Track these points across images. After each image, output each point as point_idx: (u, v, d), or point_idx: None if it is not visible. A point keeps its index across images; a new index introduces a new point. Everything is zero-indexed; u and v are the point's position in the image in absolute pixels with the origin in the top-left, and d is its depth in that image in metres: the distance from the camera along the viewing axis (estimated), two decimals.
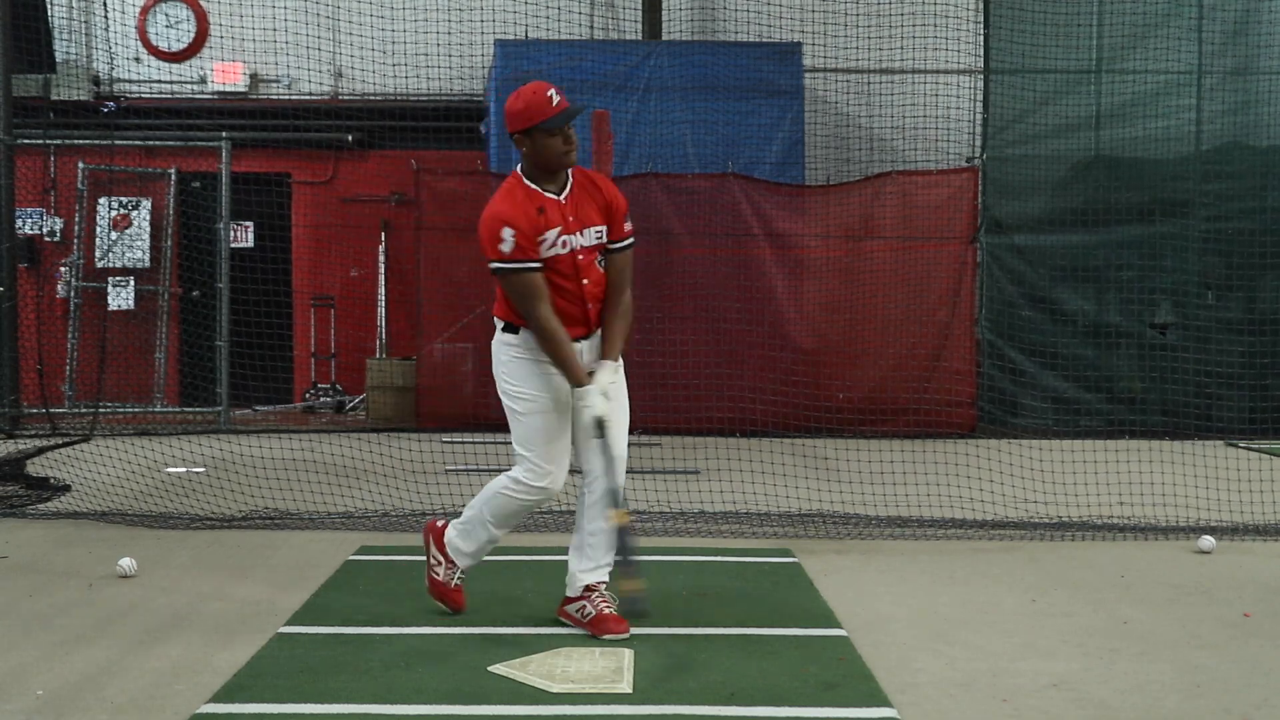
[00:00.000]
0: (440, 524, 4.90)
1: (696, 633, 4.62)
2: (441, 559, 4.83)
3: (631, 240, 4.65)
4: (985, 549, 6.29)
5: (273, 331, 11.27)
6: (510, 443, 4.66)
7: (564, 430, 4.62)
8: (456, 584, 4.84)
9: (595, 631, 4.58)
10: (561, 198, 4.52)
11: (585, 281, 4.54)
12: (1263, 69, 11.05)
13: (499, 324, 4.66)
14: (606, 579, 4.68)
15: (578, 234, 4.51)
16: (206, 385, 11.63)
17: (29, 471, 7.97)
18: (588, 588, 4.66)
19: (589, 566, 4.67)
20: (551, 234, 4.48)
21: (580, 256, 4.52)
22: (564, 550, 4.78)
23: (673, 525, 6.71)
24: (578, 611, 4.67)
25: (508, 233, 4.41)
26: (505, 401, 4.65)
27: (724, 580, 5.50)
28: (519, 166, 4.60)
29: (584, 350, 4.58)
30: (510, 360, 4.61)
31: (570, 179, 4.57)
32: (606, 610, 4.62)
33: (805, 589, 5.36)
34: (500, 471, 4.76)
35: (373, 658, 4.29)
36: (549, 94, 4.42)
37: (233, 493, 7.32)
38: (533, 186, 4.52)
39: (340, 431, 10.44)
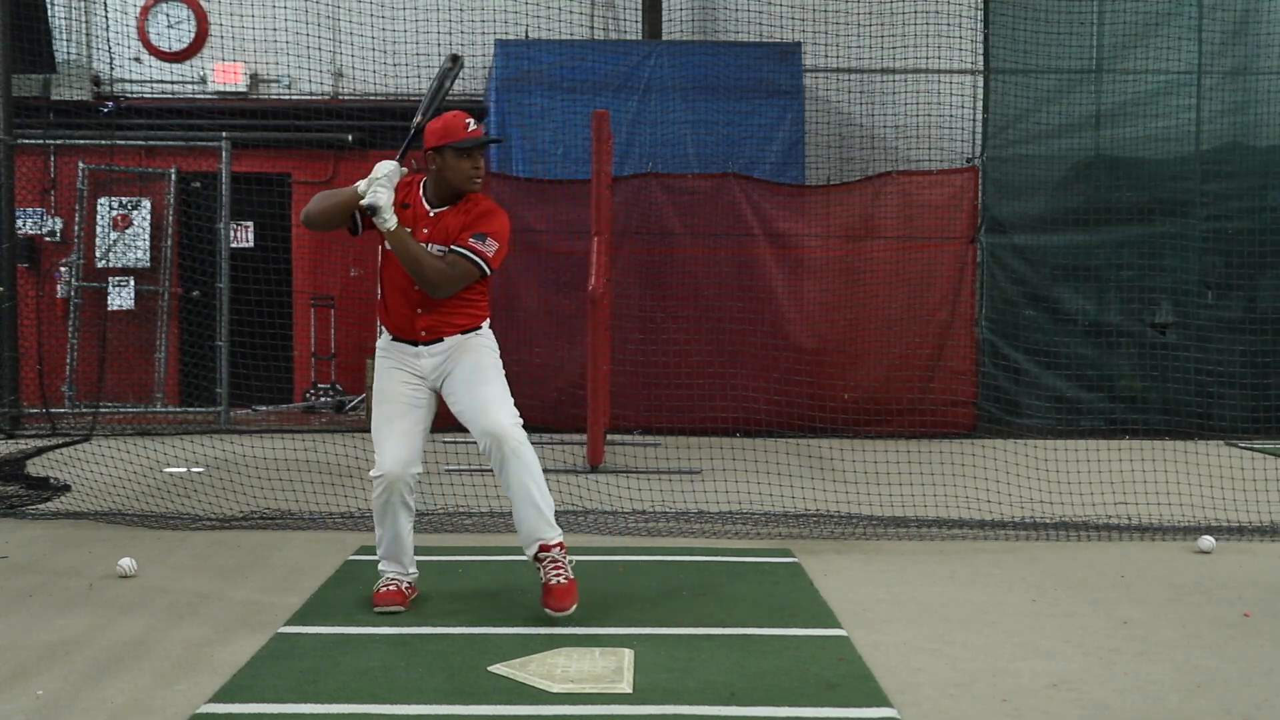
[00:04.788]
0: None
1: (696, 633, 4.62)
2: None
3: (469, 254, 4.67)
4: (985, 549, 6.29)
5: (273, 331, 11.26)
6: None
7: (398, 420, 4.76)
8: (383, 587, 4.92)
9: (542, 605, 4.71)
10: (433, 212, 4.78)
11: (417, 288, 4.71)
12: (1263, 69, 11.04)
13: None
14: (548, 539, 4.73)
15: (424, 245, 4.72)
16: (206, 385, 11.63)
17: (29, 471, 7.97)
18: (535, 556, 4.76)
19: (524, 533, 4.76)
20: None
21: None
22: None
23: (673, 525, 6.71)
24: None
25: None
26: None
27: (724, 580, 5.50)
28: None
29: (420, 354, 4.75)
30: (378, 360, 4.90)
31: (459, 201, 4.79)
32: (554, 581, 4.71)
33: (805, 589, 5.36)
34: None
35: (373, 658, 4.29)
36: (466, 121, 4.77)
37: (233, 493, 7.32)
38: (419, 192, 4.84)
39: (340, 431, 10.44)
